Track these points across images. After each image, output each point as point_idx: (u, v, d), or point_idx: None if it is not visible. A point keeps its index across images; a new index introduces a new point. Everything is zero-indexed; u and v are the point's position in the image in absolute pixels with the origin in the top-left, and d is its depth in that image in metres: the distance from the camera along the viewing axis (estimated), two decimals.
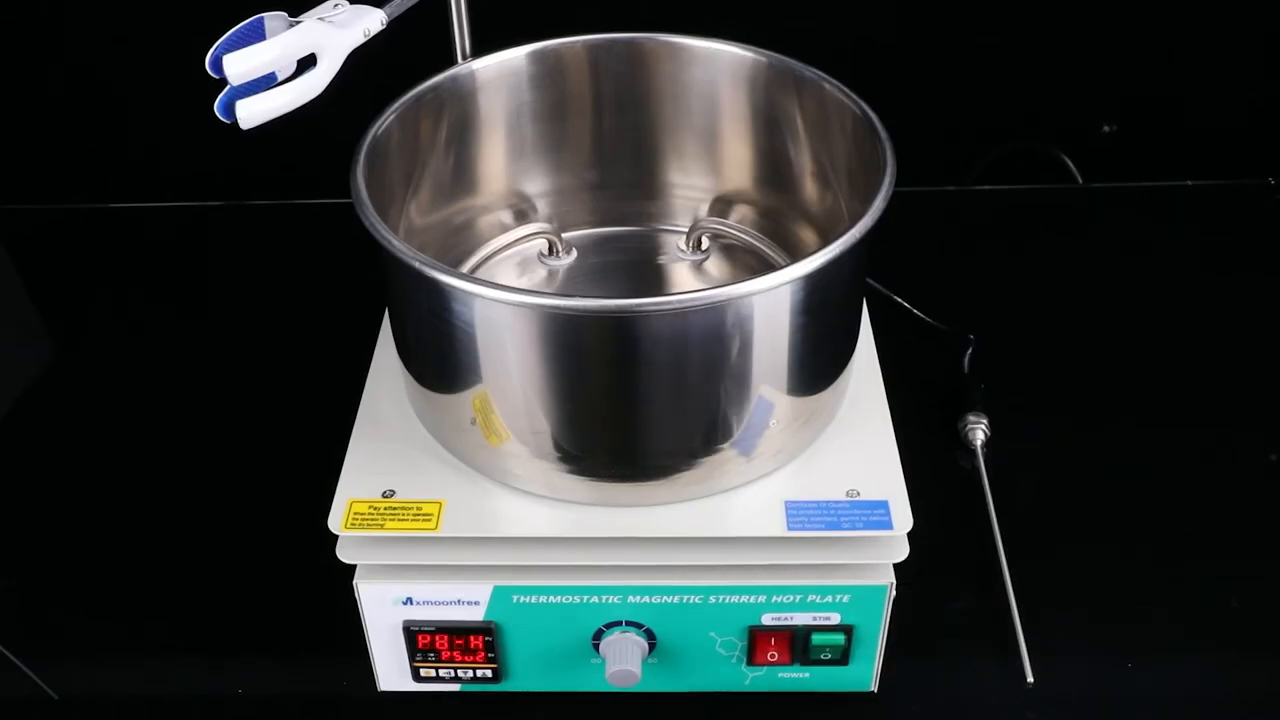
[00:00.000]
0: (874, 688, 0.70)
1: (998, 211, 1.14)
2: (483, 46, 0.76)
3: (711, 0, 0.92)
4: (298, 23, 0.61)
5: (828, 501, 0.65)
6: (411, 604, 0.66)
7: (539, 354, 0.60)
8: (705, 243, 0.82)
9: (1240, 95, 1.14)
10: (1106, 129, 1.14)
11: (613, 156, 0.82)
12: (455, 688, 0.70)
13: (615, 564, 0.64)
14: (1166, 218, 1.12)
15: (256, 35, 0.59)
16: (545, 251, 0.82)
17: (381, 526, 0.64)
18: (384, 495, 0.65)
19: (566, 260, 0.81)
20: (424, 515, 0.64)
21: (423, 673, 0.69)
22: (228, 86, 0.59)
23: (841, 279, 0.63)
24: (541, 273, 0.81)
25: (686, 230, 0.82)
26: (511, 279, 0.80)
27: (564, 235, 0.82)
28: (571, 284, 0.80)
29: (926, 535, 0.64)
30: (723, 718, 0.71)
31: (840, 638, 0.66)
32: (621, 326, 0.58)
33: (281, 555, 0.79)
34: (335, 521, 0.64)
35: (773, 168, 0.79)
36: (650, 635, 0.67)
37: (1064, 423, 0.88)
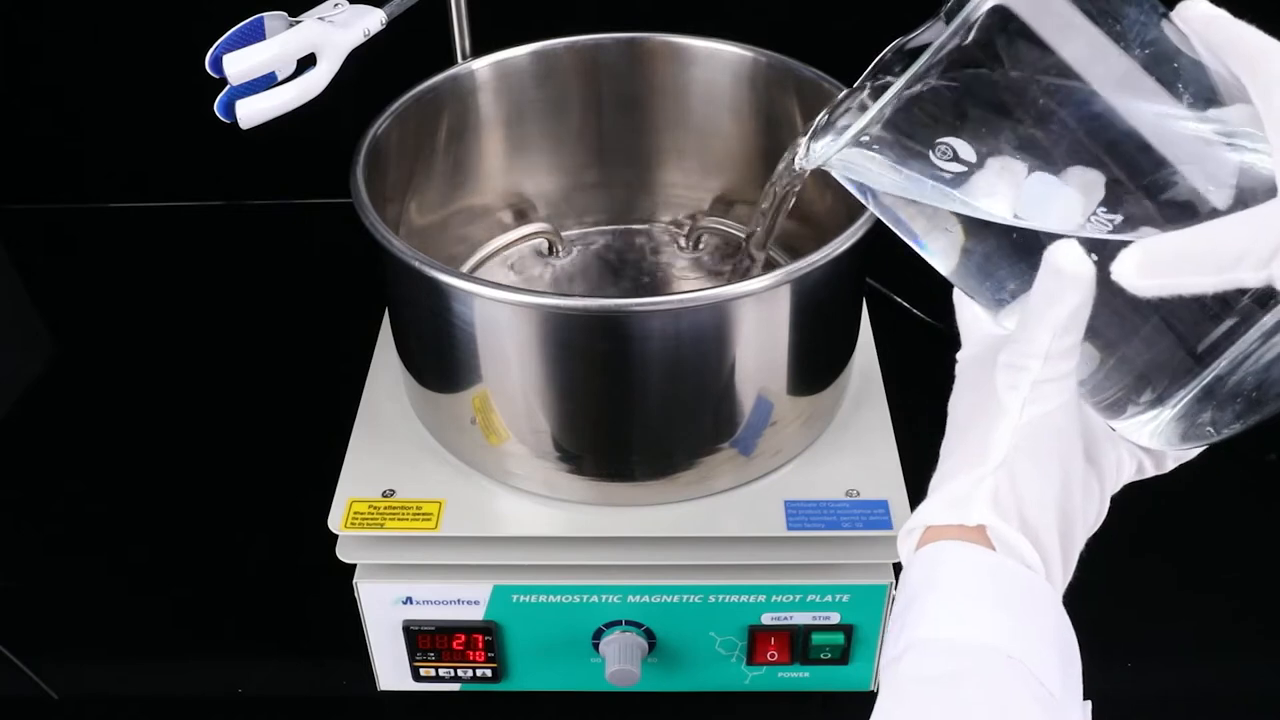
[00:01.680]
0: (874, 687, 0.70)
1: None
2: (483, 46, 0.76)
3: (711, 0, 0.92)
4: (298, 23, 0.61)
5: (827, 501, 0.65)
6: (411, 603, 0.66)
7: (539, 354, 0.60)
8: (705, 240, 0.82)
9: None
10: None
11: (612, 156, 0.82)
12: (455, 687, 0.70)
13: (615, 564, 0.64)
14: None
15: (256, 35, 0.60)
16: (545, 250, 0.82)
17: (381, 526, 0.64)
18: (384, 495, 0.65)
19: (566, 258, 0.81)
20: (424, 515, 0.64)
21: (423, 672, 0.69)
22: (228, 86, 0.59)
23: (841, 279, 0.63)
24: (541, 270, 0.81)
25: (686, 229, 0.82)
26: (511, 277, 0.80)
27: (564, 234, 0.82)
28: (571, 282, 0.80)
29: None
30: (723, 718, 0.71)
31: (840, 637, 0.66)
32: (621, 326, 0.58)
33: (281, 555, 0.79)
34: (335, 521, 0.64)
35: (772, 167, 0.78)
36: (650, 635, 0.67)
37: None
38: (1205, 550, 0.80)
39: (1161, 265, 0.36)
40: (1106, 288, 0.38)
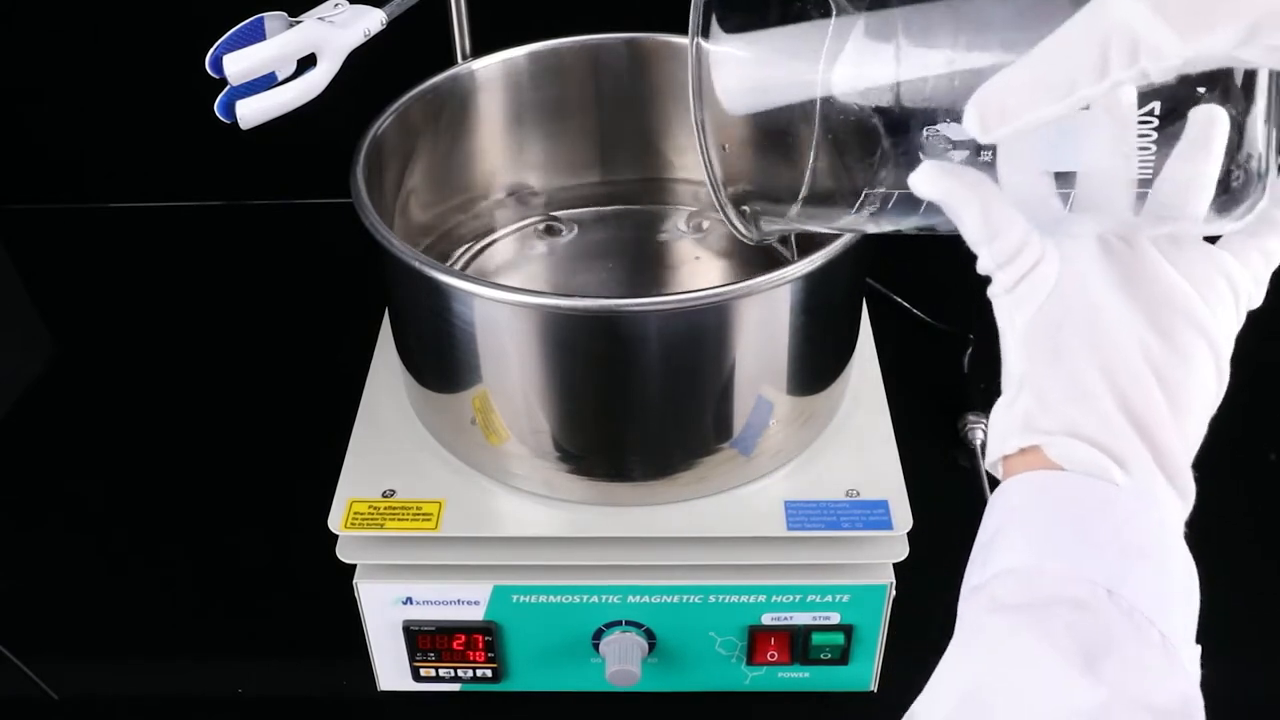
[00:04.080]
0: (874, 688, 0.70)
1: None
2: (483, 46, 0.76)
3: None
4: (298, 23, 0.61)
5: (827, 501, 0.65)
6: (411, 604, 0.66)
7: (539, 354, 0.60)
8: (706, 224, 0.82)
9: None
10: None
11: (613, 155, 0.82)
12: (455, 687, 0.70)
13: (615, 564, 0.64)
14: None
15: (256, 35, 0.60)
16: (544, 232, 0.82)
17: (381, 526, 0.64)
18: (384, 495, 0.65)
19: (566, 238, 0.82)
20: (424, 515, 0.64)
21: (423, 672, 0.69)
22: (228, 86, 0.59)
23: (841, 279, 0.63)
24: (540, 252, 0.81)
25: (686, 215, 0.83)
26: (509, 258, 0.80)
27: (564, 224, 0.83)
28: (571, 265, 0.80)
29: (926, 535, 0.64)
30: (723, 718, 0.71)
31: (840, 637, 0.66)
32: (621, 326, 0.58)
33: (281, 555, 0.79)
34: (335, 521, 0.64)
35: None
36: (650, 635, 0.67)
37: None
38: (1205, 550, 0.80)
39: (1000, 109, 0.35)
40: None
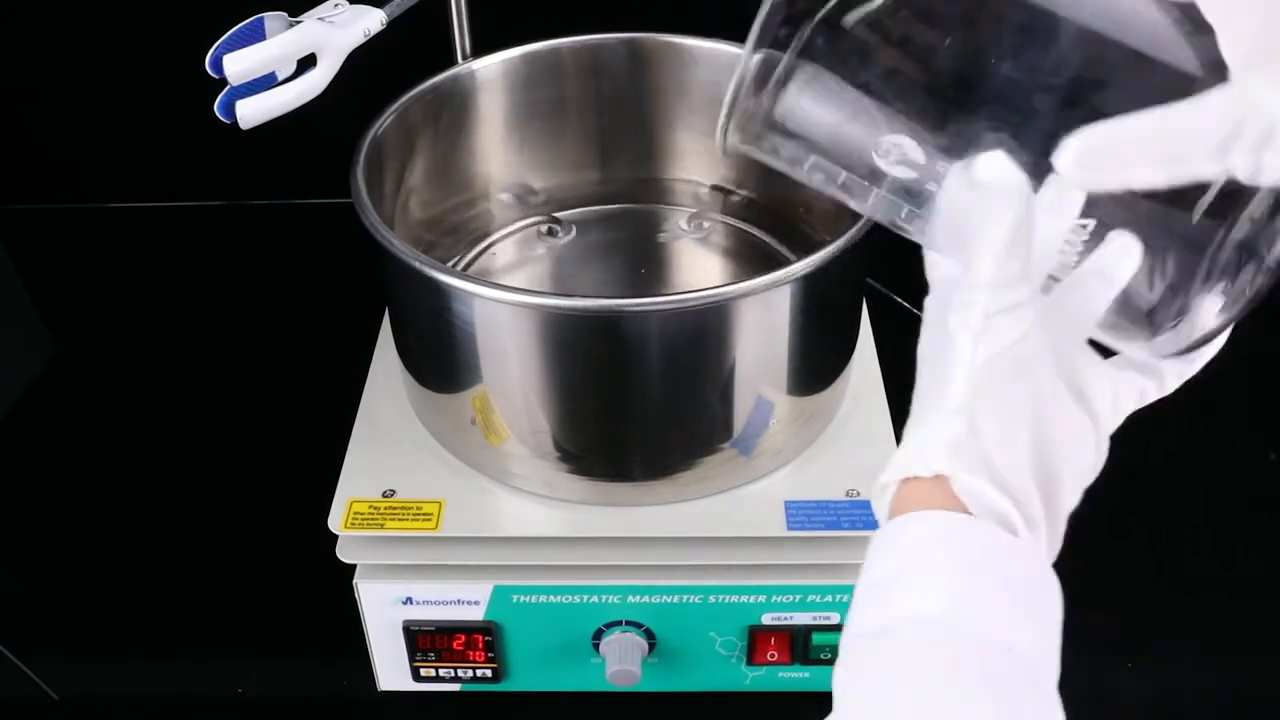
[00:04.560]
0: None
1: None
2: (483, 46, 0.76)
3: (711, 0, 0.92)
4: (298, 23, 0.61)
5: (827, 501, 0.65)
6: (411, 604, 0.66)
7: (539, 354, 0.60)
8: (706, 224, 0.82)
9: None
10: None
11: (614, 155, 0.82)
12: (455, 687, 0.70)
13: (615, 564, 0.64)
14: None
15: (256, 35, 0.60)
16: (544, 232, 0.82)
17: (381, 526, 0.64)
18: (384, 495, 0.65)
19: (566, 238, 0.82)
20: (424, 515, 0.64)
21: (423, 672, 0.69)
22: (228, 86, 0.59)
23: (841, 279, 0.63)
24: (541, 253, 0.81)
25: (687, 216, 0.83)
26: (509, 258, 0.80)
27: (564, 224, 0.83)
28: (571, 265, 0.80)
29: None
30: (723, 718, 0.71)
31: (840, 637, 0.66)
32: (621, 326, 0.58)
33: (281, 555, 0.79)
34: (335, 521, 0.64)
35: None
36: (650, 635, 0.67)
37: None
38: (1206, 550, 0.80)
39: (1102, 156, 0.33)
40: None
